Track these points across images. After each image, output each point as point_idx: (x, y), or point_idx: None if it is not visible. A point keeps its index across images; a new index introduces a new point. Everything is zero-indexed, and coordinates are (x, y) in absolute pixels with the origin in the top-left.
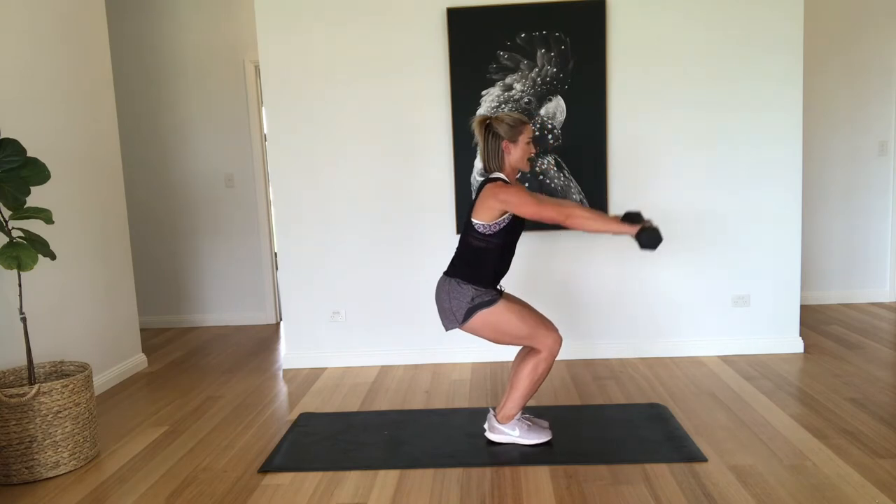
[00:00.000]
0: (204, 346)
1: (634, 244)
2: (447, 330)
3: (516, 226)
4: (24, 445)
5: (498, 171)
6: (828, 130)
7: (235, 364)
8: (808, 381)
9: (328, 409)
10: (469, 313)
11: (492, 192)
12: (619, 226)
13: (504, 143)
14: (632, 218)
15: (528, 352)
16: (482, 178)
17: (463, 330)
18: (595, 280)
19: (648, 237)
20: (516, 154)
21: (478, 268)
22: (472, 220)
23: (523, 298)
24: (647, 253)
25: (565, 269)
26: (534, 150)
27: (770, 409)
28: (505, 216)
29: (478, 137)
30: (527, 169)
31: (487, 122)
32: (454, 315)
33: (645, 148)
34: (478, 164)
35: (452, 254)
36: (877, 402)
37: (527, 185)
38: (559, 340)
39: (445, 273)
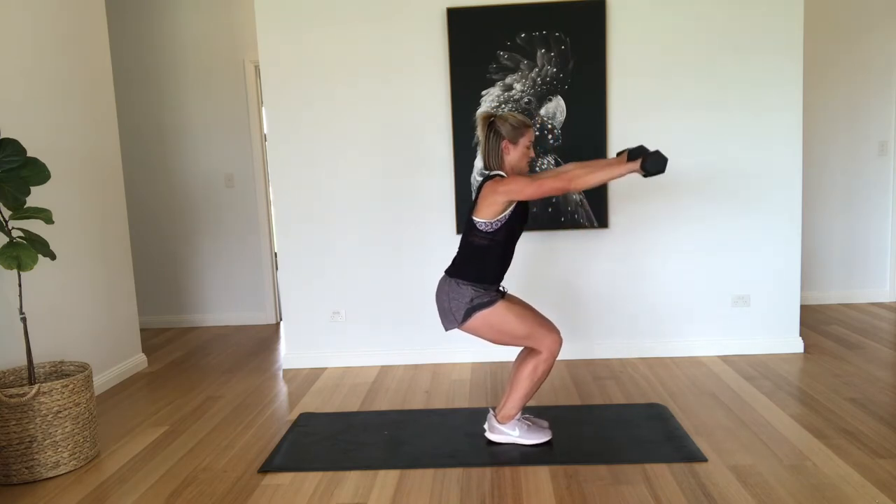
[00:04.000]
0: (204, 346)
1: (638, 246)
2: (447, 330)
3: (518, 219)
4: (24, 445)
5: (497, 170)
6: (828, 130)
7: (235, 364)
8: (808, 381)
9: (328, 409)
10: (468, 314)
11: (491, 189)
12: (623, 167)
13: (504, 143)
14: (635, 154)
15: (528, 352)
16: (482, 177)
17: (462, 330)
18: (595, 280)
19: (653, 163)
20: (514, 155)
21: (479, 267)
22: (474, 218)
23: (524, 299)
24: (658, 177)
25: (565, 269)
26: (532, 155)
27: (770, 409)
28: (506, 211)
29: (480, 134)
30: (525, 171)
31: (491, 119)
32: (453, 315)
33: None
34: (478, 163)
35: (452, 253)
36: (877, 402)
37: None
38: (559, 341)
39: (446, 273)
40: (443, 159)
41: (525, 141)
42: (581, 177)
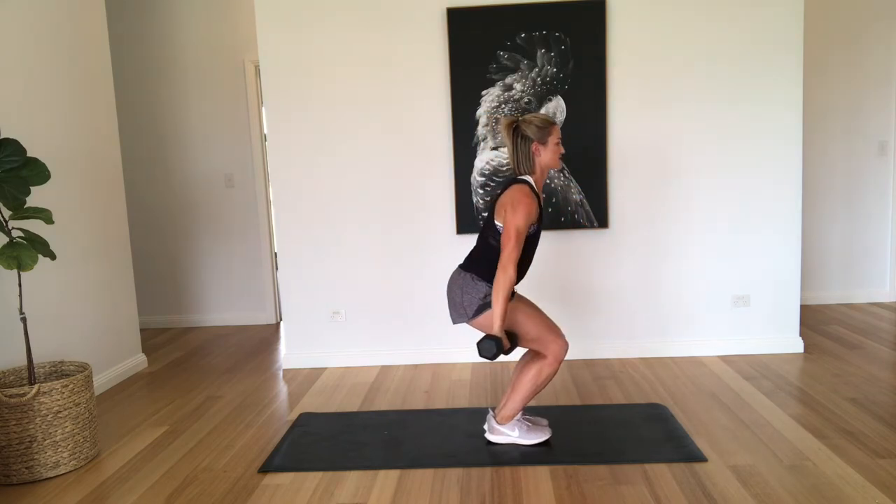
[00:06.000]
0: (204, 346)
1: (639, 246)
2: (455, 323)
3: (535, 232)
4: (24, 445)
5: (528, 174)
6: (828, 130)
7: (235, 364)
8: (808, 381)
9: (328, 409)
10: (480, 310)
11: (509, 199)
12: (497, 316)
13: (534, 145)
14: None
15: (533, 355)
16: (508, 178)
17: (471, 325)
18: (595, 280)
19: (485, 346)
20: (546, 155)
21: (494, 267)
22: (495, 221)
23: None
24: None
25: (565, 268)
26: (563, 150)
27: (770, 409)
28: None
29: (506, 141)
30: (558, 167)
31: (515, 124)
32: (464, 309)
33: (644, 148)
34: (478, 163)
35: (452, 253)
36: (877, 402)
37: None
38: (565, 347)
39: (461, 266)
40: (443, 159)
41: (553, 139)
42: (501, 282)
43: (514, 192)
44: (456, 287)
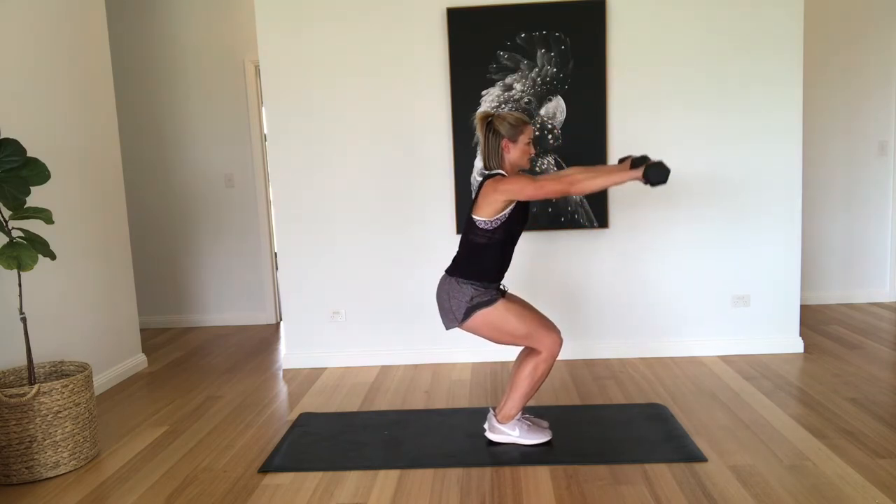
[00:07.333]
0: (204, 346)
1: (639, 246)
2: (447, 329)
3: (517, 219)
4: (24, 445)
5: (497, 169)
6: (828, 130)
7: (235, 364)
8: (808, 381)
9: (328, 409)
10: (468, 312)
11: (492, 187)
12: (624, 174)
13: (504, 142)
14: (637, 162)
15: (528, 352)
16: (482, 177)
17: (463, 329)
18: (595, 280)
19: (655, 172)
20: (515, 153)
21: (479, 265)
22: (473, 217)
23: (524, 298)
24: (659, 188)
25: (565, 268)
26: (533, 151)
27: (770, 409)
28: (506, 210)
29: (479, 134)
30: (526, 167)
31: (489, 119)
32: (454, 314)
33: (644, 148)
34: (478, 163)
35: (452, 253)
36: (877, 402)
37: None
38: (559, 341)
39: (446, 272)
40: (443, 159)
41: (525, 138)
42: (582, 181)
43: (489, 184)
44: (443, 293)
